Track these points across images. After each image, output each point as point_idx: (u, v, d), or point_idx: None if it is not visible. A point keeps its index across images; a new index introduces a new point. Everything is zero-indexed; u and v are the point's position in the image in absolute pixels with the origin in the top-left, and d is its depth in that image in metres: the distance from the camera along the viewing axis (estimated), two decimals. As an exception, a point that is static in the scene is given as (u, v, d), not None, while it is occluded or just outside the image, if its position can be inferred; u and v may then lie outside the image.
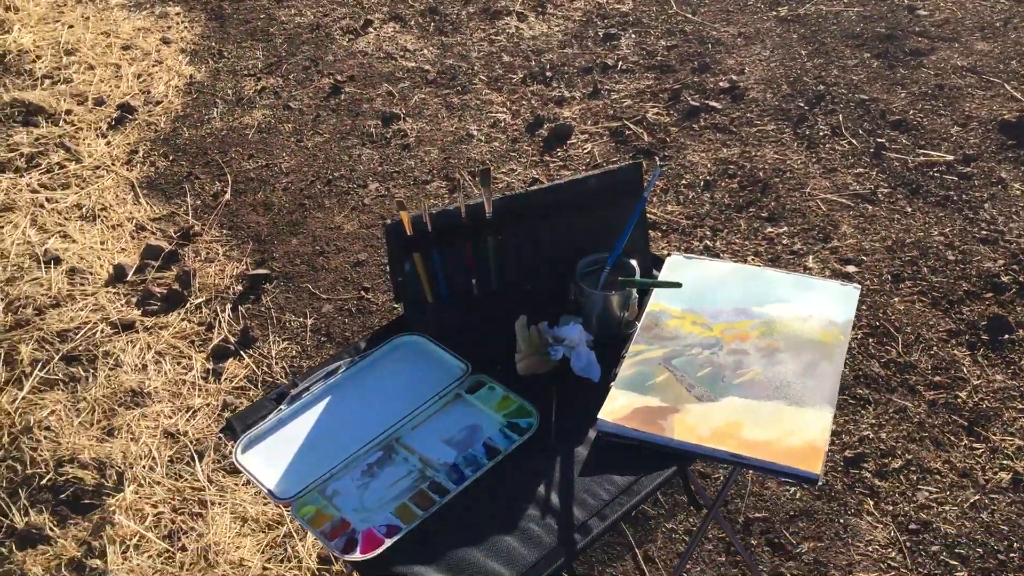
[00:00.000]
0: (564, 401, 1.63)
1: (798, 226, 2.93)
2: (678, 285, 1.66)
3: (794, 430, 1.50)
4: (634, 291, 1.72)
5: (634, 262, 1.73)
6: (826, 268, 2.75)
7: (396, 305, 2.79)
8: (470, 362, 1.68)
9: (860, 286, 1.76)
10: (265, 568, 2.12)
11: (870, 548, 2.03)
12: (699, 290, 1.75)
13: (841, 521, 2.09)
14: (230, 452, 2.41)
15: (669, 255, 1.87)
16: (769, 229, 2.93)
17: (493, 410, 1.62)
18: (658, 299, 1.76)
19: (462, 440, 1.58)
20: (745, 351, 1.65)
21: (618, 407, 1.56)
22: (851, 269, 2.73)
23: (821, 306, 1.72)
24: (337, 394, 1.69)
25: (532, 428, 1.57)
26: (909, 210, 2.93)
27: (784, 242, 2.87)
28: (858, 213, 2.95)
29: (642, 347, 1.68)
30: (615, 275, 1.72)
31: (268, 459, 1.58)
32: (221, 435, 2.39)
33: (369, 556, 1.40)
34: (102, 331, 2.89)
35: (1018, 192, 2.94)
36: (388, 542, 1.42)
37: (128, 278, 3.12)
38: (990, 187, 2.97)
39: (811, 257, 2.80)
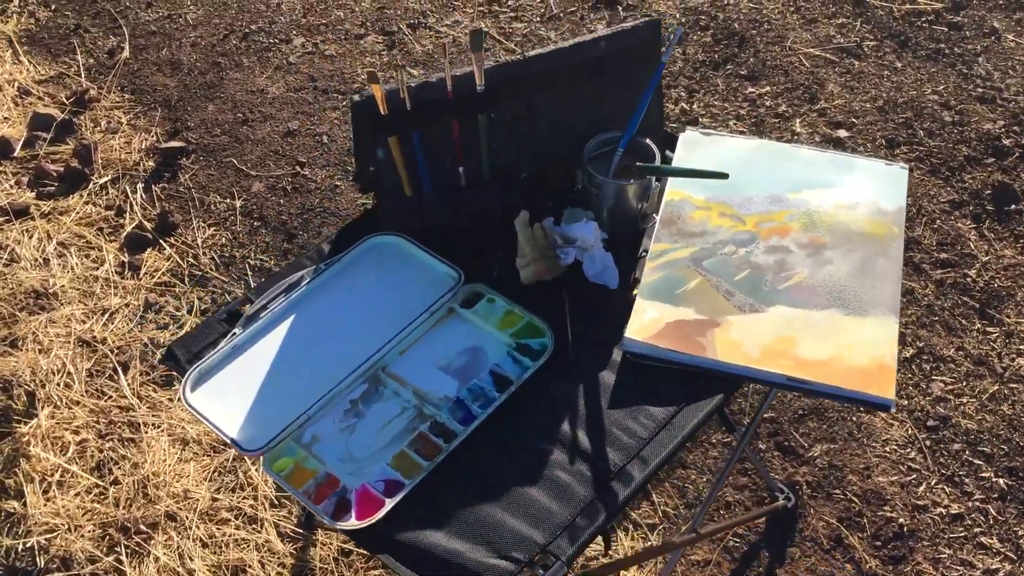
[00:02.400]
0: (577, 314, 1.37)
1: (781, 85, 2.65)
2: (724, 176, 1.38)
3: (855, 344, 1.28)
4: (654, 179, 1.44)
5: (651, 143, 1.44)
6: (815, 133, 2.50)
7: (363, 197, 2.44)
8: (462, 269, 1.39)
9: (907, 167, 1.52)
10: (215, 499, 1.85)
11: (887, 449, 1.88)
12: (705, 169, 1.48)
13: (854, 419, 1.93)
14: (164, 371, 2.09)
15: (682, 131, 1.58)
16: (750, 89, 2.65)
17: (496, 328, 1.35)
18: (677, 186, 1.49)
19: (463, 367, 1.31)
20: (787, 248, 1.40)
21: (647, 322, 1.31)
22: (842, 134, 2.49)
23: (867, 191, 1.47)
24: (302, 312, 1.38)
25: (546, 350, 1.31)
26: (899, 65, 2.68)
27: (767, 103, 2.60)
28: (844, 69, 2.69)
29: (665, 245, 1.41)
30: (629, 159, 1.43)
31: (225, 398, 1.29)
32: (161, 364, 2.06)
33: (368, 522, 1.15)
34: (-9, 219, 2.47)
35: (1012, 44, 2.71)
36: (389, 503, 1.16)
37: (15, 154, 2.68)
38: (982, 38, 2.74)
39: (798, 121, 2.54)
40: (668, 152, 1.53)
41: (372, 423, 1.26)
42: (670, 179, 1.48)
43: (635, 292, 1.37)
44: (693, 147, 1.55)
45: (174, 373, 2.06)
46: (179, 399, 1.25)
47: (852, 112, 2.55)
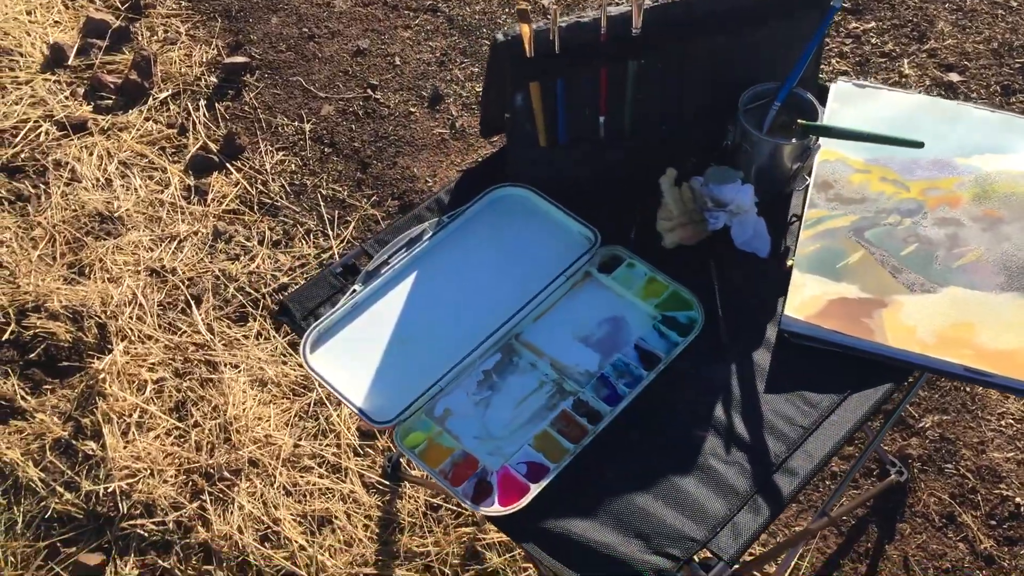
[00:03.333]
0: (726, 284, 1.26)
1: (887, 21, 2.47)
2: (919, 144, 1.24)
3: (1040, 334, 1.17)
4: (814, 138, 1.30)
5: (812, 98, 1.31)
6: (925, 75, 2.34)
7: (439, 126, 2.30)
8: (599, 229, 1.27)
9: (1084, 131, 1.38)
10: (297, 445, 1.77)
11: (1003, 423, 1.79)
12: (882, 132, 1.34)
13: (967, 390, 1.82)
14: (238, 306, 1.99)
15: (832, 81, 1.44)
16: (854, 24, 2.47)
17: (639, 297, 1.23)
18: (831, 145, 1.35)
19: (604, 339, 1.21)
20: (958, 220, 1.28)
21: (808, 299, 1.20)
22: (954, 77, 2.33)
23: (1044, 158, 1.34)
24: (425, 269, 1.27)
25: (697, 325, 1.19)
26: (1014, 4, 2.50)
27: (873, 41, 2.42)
28: (955, 7, 2.50)
29: (822, 212, 1.29)
30: (786, 115, 1.30)
31: (347, 361, 1.19)
32: (278, 319, 1.96)
33: (515, 508, 1.06)
34: (47, 133, 2.34)
35: None
36: (535, 488, 1.07)
37: (69, 62, 2.53)
38: (1106, -22, 2.54)
39: (906, 61, 2.38)
40: (819, 106, 1.39)
41: (508, 397, 1.16)
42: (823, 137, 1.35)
43: (790, 263, 1.25)
44: (846, 101, 1.41)
45: (247, 309, 1.97)
46: (301, 359, 1.15)
47: (964, 54, 2.38)
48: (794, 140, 1.27)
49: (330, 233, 2.13)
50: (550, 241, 1.28)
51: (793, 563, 1.62)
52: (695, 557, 1.04)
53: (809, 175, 1.33)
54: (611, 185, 1.33)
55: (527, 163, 1.32)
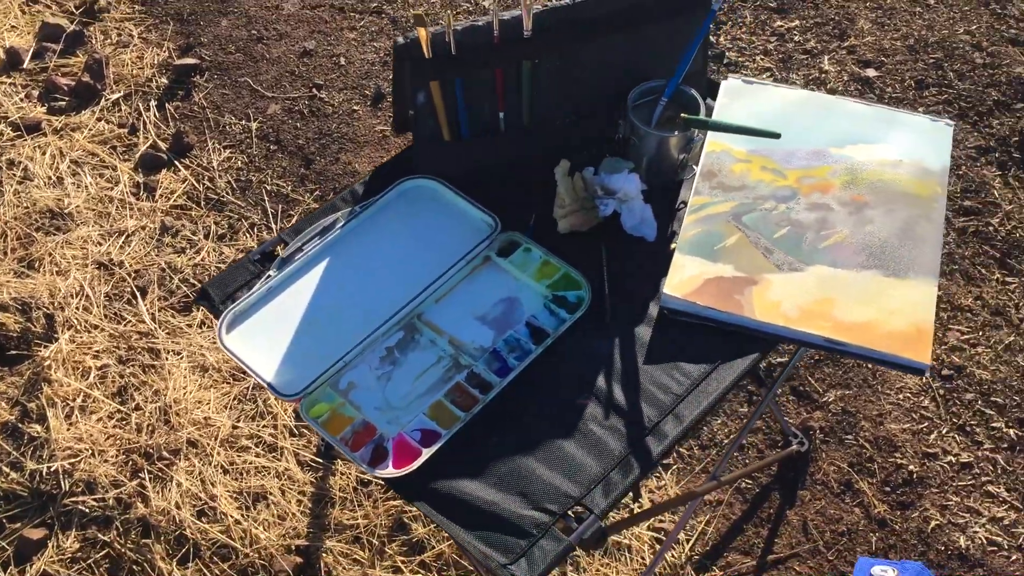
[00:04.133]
0: (614, 267, 1.36)
1: (810, 19, 2.59)
2: (776, 135, 1.36)
3: (895, 308, 1.28)
4: (696, 131, 1.41)
5: (696, 93, 1.41)
6: (843, 71, 2.46)
7: (381, 124, 2.39)
8: (498, 217, 1.37)
9: (952, 123, 1.50)
10: (235, 427, 1.87)
11: (901, 396, 1.91)
12: (765, 125, 1.45)
13: (869, 367, 1.94)
14: (181, 296, 2.08)
15: (724, 78, 1.55)
16: (778, 22, 2.59)
17: (532, 279, 1.34)
18: (717, 137, 1.46)
19: (499, 317, 1.31)
20: (828, 206, 1.39)
21: (687, 278, 1.31)
22: (871, 73, 2.44)
23: (910, 148, 1.45)
24: (337, 255, 1.37)
25: (584, 304, 1.30)
26: (931, 1, 2.62)
27: (796, 39, 2.54)
28: (875, 5, 2.62)
29: (705, 199, 1.40)
30: (673, 109, 1.41)
31: (260, 341, 1.29)
32: (198, 303, 2.05)
33: (406, 471, 1.16)
34: (1, 133, 2.42)
35: (1049, -16, 2.65)
36: (426, 452, 1.17)
37: (25, 65, 2.61)
38: (1019, -23, 2.67)
39: (826, 58, 2.49)
40: (709, 100, 1.50)
41: (408, 371, 1.27)
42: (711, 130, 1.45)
43: (673, 246, 1.36)
44: (735, 96, 1.52)
45: (191, 299, 2.06)
46: (216, 337, 1.24)
47: (882, 50, 2.50)
48: (676, 133, 1.38)
49: (273, 227, 2.23)
50: (454, 228, 1.39)
51: (687, 523, 1.72)
52: (570, 512, 1.14)
53: (696, 164, 1.44)
54: (512, 175, 1.43)
55: (433, 156, 1.42)
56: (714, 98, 1.50)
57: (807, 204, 1.39)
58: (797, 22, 2.59)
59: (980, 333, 1.99)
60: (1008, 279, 2.07)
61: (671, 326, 1.30)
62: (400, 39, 1.29)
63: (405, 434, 1.20)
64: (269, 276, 1.34)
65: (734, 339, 1.28)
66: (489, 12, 1.28)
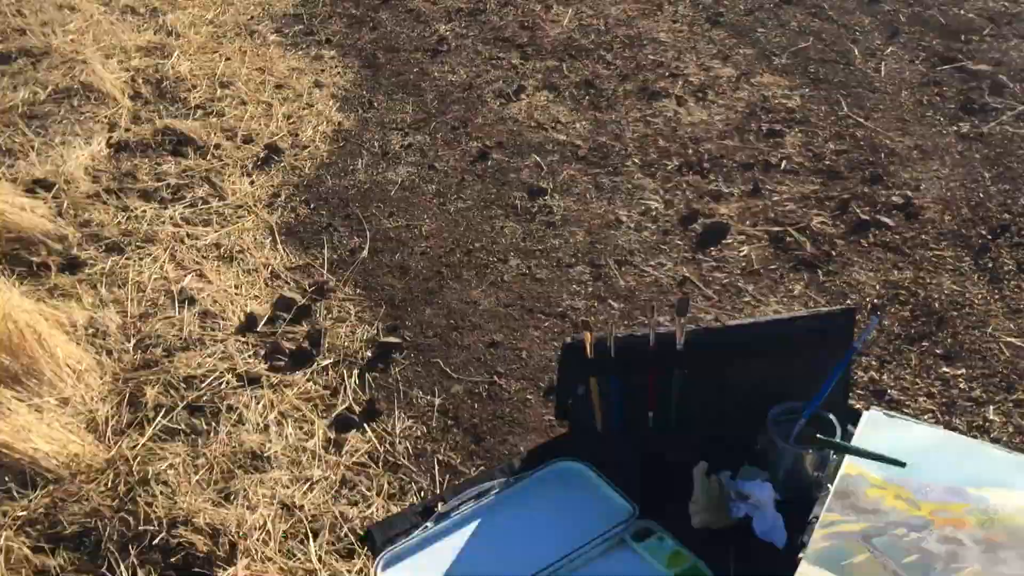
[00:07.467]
0: (741, 565, 1.44)
1: (977, 369, 2.66)
2: (902, 464, 1.45)
3: (1025, 654, 1.27)
4: (831, 451, 1.52)
5: (833, 417, 1.54)
6: (1009, 423, 2.48)
7: (549, 414, 2.64)
8: (638, 504, 1.50)
9: (1097, 479, 1.52)
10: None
11: None
12: (904, 458, 1.54)
13: None
14: (348, 543, 2.28)
15: (867, 409, 1.66)
16: (944, 369, 2.67)
17: (663, 566, 1.43)
18: (855, 461, 1.55)
19: (626, 598, 1.40)
20: (960, 541, 1.43)
21: (811, 589, 1.36)
22: (1038, 428, 2.45)
23: (1050, 497, 1.48)
24: (488, 518, 1.53)
25: (708, 598, 1.38)
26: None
27: (961, 386, 2.61)
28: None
29: (836, 516, 1.47)
30: (811, 430, 1.53)
31: (409, 584, 1.43)
32: (362, 541, 2.26)
33: None
34: (228, 382, 2.83)
35: None
36: None
37: (259, 328, 3.07)
38: None
39: (991, 408, 2.53)
40: (851, 427, 1.61)
41: (536, 636, 1.36)
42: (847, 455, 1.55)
43: (800, 556, 1.42)
44: (875, 427, 1.62)
45: (357, 548, 2.24)
46: (372, 573, 1.40)
47: (1052, 407, 2.52)
48: (811, 451, 1.49)
49: (439, 493, 2.42)
50: (596, 508, 1.52)
51: None
52: None
53: (831, 483, 1.53)
54: (661, 469, 1.57)
55: (585, 443, 1.59)
56: (855, 426, 1.61)
57: (939, 536, 1.43)
58: (964, 370, 2.67)
59: None
60: None
61: (791, 634, 1.34)
62: (568, 339, 1.53)
63: None
64: (426, 527, 1.51)
65: (854, 658, 1.30)
66: (648, 324, 1.50)
